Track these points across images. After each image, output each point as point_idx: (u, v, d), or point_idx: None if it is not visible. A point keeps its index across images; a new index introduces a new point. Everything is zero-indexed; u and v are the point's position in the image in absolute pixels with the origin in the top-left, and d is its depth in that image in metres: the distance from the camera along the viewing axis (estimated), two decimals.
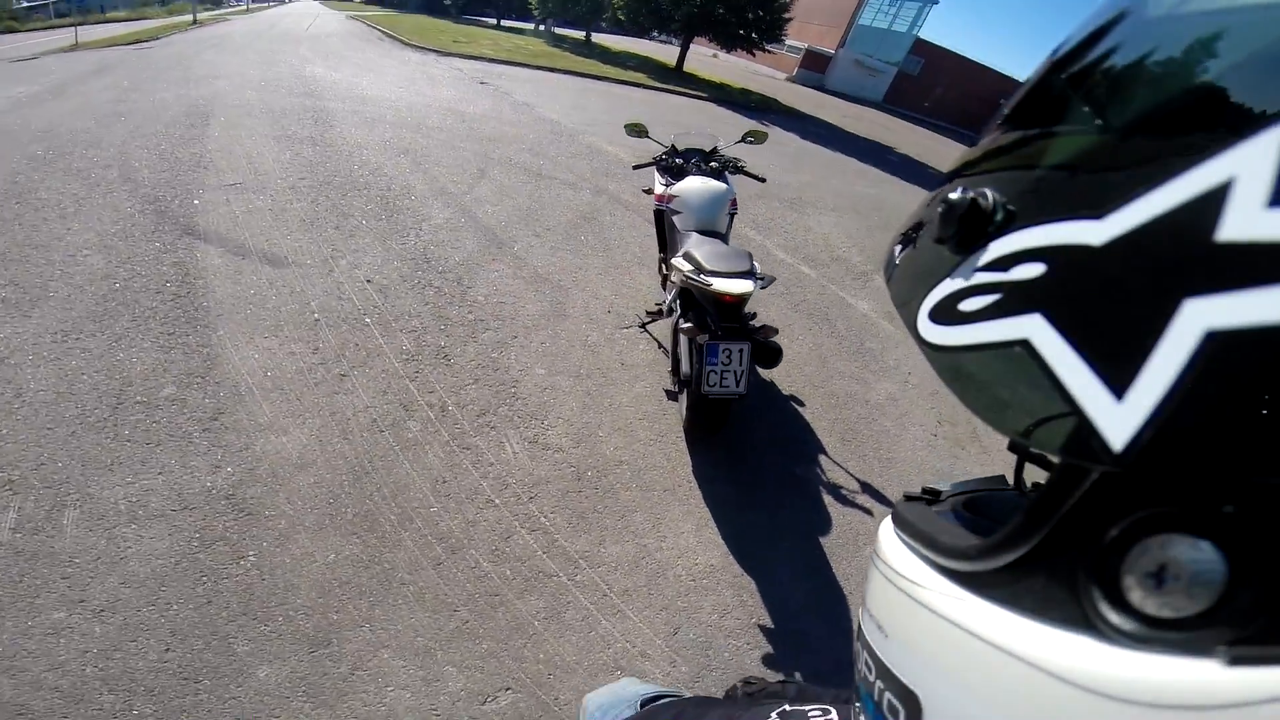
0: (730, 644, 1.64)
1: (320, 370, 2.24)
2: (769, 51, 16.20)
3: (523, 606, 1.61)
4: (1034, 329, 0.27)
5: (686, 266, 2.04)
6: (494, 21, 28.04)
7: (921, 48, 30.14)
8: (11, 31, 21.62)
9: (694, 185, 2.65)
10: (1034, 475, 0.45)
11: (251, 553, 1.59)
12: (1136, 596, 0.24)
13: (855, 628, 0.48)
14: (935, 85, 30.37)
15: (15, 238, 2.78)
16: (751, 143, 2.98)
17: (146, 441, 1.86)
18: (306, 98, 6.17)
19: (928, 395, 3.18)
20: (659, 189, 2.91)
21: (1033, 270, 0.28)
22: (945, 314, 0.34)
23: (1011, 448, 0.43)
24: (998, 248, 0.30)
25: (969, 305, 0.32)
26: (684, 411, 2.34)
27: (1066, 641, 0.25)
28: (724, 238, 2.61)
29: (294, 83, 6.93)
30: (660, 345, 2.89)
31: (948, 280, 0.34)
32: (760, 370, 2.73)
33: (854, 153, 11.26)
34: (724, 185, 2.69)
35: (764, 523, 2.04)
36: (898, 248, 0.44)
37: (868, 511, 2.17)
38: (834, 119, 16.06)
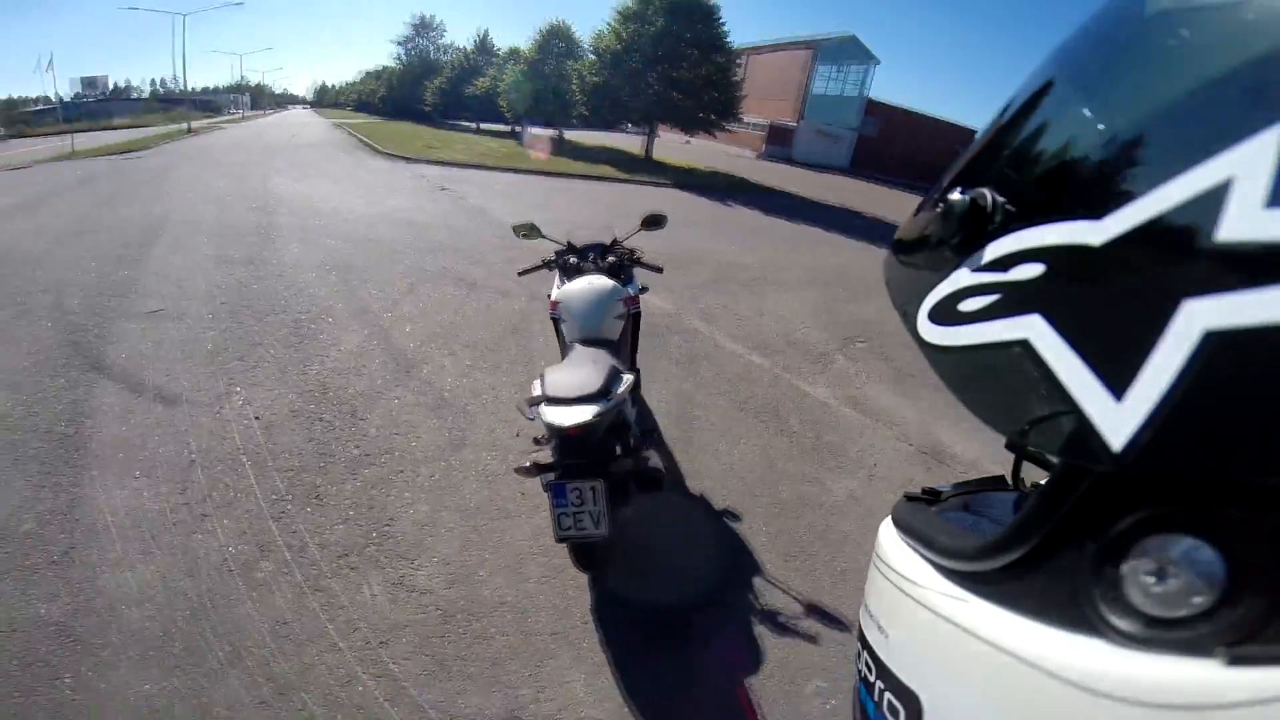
0: None
1: (183, 511, 2.23)
2: (731, 131, 17.16)
3: None
4: (1033, 329, 0.27)
5: (534, 392, 1.79)
6: (474, 126, 28.23)
7: (874, 108, 30.74)
8: (22, 136, 22.99)
9: (576, 287, 2.33)
10: (1033, 475, 0.46)
11: (68, 675, 1.61)
12: (1136, 597, 0.24)
13: (856, 628, 0.47)
14: (893, 142, 30.89)
15: None
16: (654, 229, 2.67)
17: None
18: (260, 214, 6.49)
19: (896, 488, 2.85)
20: (554, 294, 2.54)
21: (1032, 270, 0.27)
22: (945, 314, 0.34)
23: (1009, 446, 0.43)
24: (997, 248, 0.30)
25: (968, 305, 0.32)
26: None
27: (1066, 641, 0.25)
28: (615, 346, 2.28)
29: (255, 197, 7.33)
30: None
31: (948, 281, 0.34)
32: (689, 485, 2.53)
33: (820, 222, 11.37)
34: (610, 283, 2.35)
35: (678, 666, 1.79)
36: (898, 249, 0.44)
37: (810, 639, 1.89)
38: (801, 190, 16.75)
